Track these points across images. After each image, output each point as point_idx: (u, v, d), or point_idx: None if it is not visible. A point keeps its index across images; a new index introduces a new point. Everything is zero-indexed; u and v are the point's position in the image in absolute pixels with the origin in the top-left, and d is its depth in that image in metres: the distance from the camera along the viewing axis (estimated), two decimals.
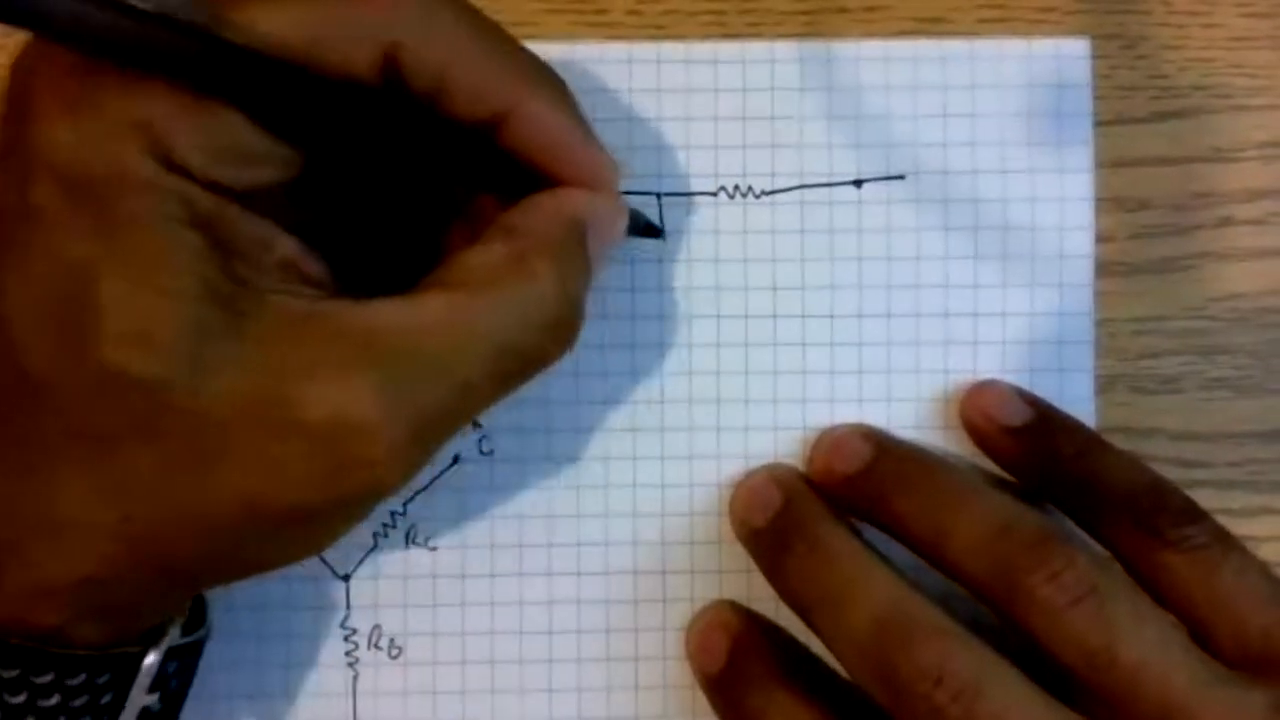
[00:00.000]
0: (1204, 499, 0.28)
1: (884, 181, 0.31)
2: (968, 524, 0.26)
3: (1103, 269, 0.31)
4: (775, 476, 0.29)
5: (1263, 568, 0.27)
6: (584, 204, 0.25)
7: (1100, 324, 0.31)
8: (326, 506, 0.23)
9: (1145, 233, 0.31)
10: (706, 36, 0.31)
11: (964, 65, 0.31)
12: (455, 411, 0.23)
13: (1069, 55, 0.31)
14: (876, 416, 0.30)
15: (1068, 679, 0.25)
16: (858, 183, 0.31)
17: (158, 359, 0.21)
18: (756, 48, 0.31)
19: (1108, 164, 0.31)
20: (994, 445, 0.30)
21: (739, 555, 0.30)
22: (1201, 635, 0.26)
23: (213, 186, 0.22)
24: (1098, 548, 0.28)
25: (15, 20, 0.19)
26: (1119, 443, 0.30)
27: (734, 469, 0.30)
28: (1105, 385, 0.31)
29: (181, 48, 0.20)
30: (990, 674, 0.25)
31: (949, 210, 0.31)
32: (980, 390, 0.30)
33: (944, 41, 0.31)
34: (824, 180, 0.31)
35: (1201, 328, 0.31)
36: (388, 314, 0.23)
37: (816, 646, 0.27)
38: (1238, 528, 0.30)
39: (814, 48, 0.31)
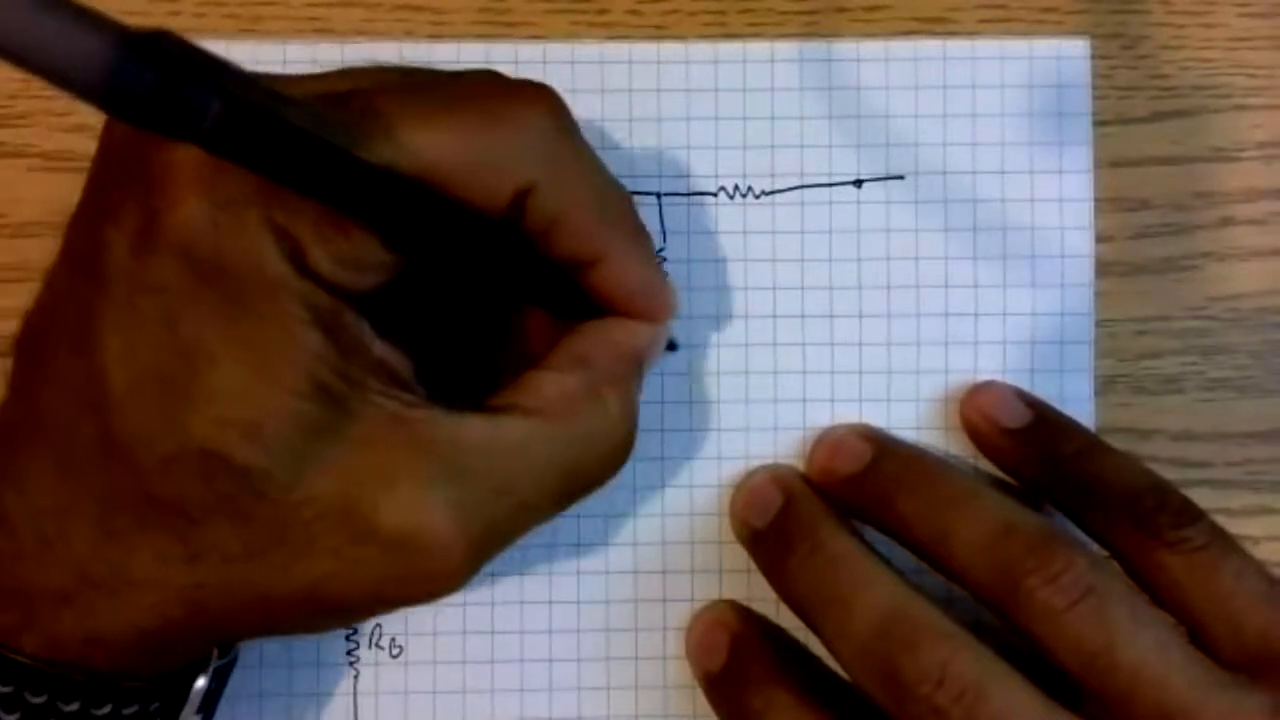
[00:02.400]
0: (1204, 499, 0.28)
1: (884, 181, 0.31)
2: (968, 526, 0.26)
3: (1103, 269, 0.31)
4: (776, 477, 0.29)
5: (1261, 569, 0.27)
6: (647, 338, 0.27)
7: (1101, 324, 0.31)
8: (379, 605, 0.24)
9: (1145, 233, 0.31)
10: (707, 36, 0.31)
11: (964, 65, 0.31)
12: (515, 530, 0.25)
13: (1069, 55, 0.31)
14: (877, 417, 0.30)
15: (1068, 681, 0.25)
16: (858, 183, 0.31)
17: (263, 451, 0.22)
18: (757, 48, 0.31)
19: (1108, 164, 0.31)
20: (993, 446, 0.30)
21: (739, 555, 0.30)
22: (1200, 636, 0.26)
23: (334, 291, 0.22)
24: (1097, 549, 0.28)
25: (166, 131, 0.19)
26: (1119, 443, 0.30)
27: (734, 469, 0.30)
28: (1105, 385, 0.31)
29: (330, 171, 0.21)
30: (991, 676, 0.25)
31: (949, 210, 0.31)
32: (980, 391, 0.30)
33: (944, 41, 0.31)
34: (824, 180, 0.31)
35: (1202, 328, 0.31)
36: (470, 432, 0.24)
37: (817, 647, 0.27)
38: (1237, 528, 0.30)
39: (814, 48, 0.31)
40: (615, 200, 0.26)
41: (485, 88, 0.24)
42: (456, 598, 0.30)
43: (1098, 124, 0.31)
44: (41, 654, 0.23)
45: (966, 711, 0.24)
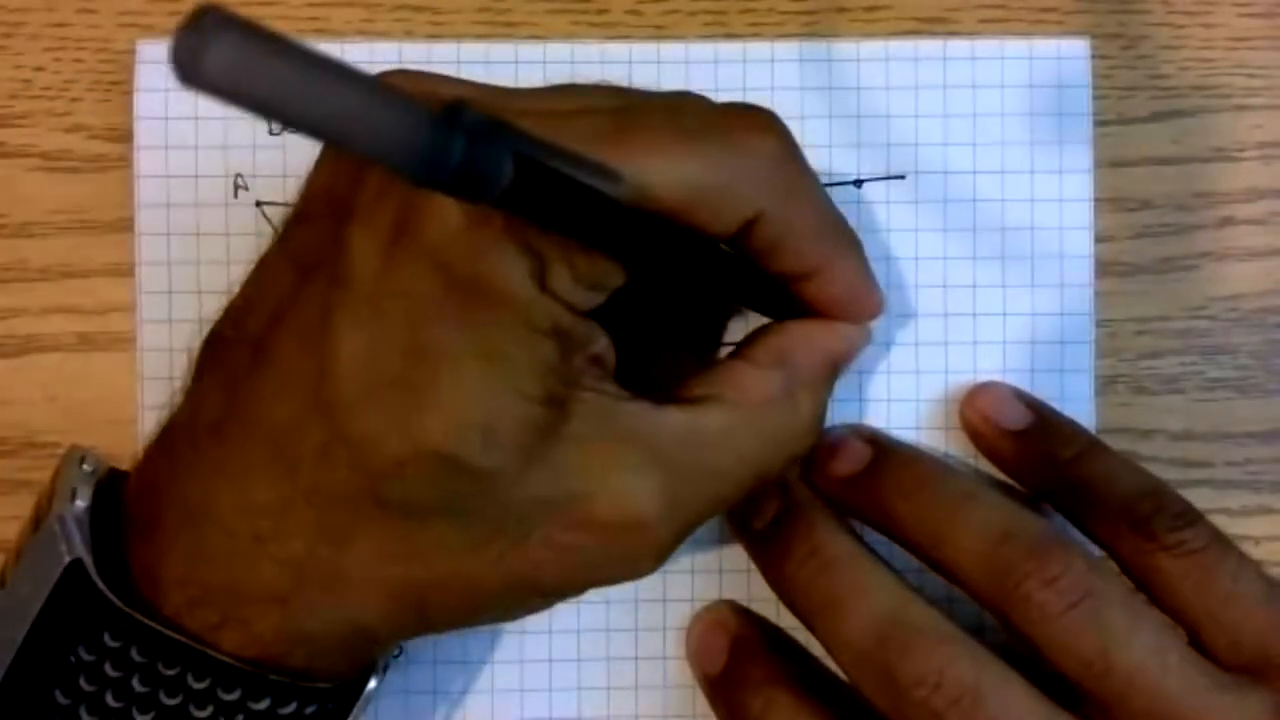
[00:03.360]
0: (1204, 499, 0.28)
1: (884, 181, 0.31)
2: (966, 528, 0.26)
3: (1103, 269, 0.31)
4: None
5: (1260, 571, 0.27)
6: (849, 340, 0.27)
7: (1101, 324, 0.31)
8: (585, 587, 0.25)
9: (1146, 233, 0.31)
10: (707, 36, 0.31)
11: (964, 65, 0.31)
12: (707, 516, 0.25)
13: (1069, 55, 0.31)
14: (876, 417, 0.30)
15: (1067, 684, 0.25)
16: (858, 182, 0.31)
17: (496, 453, 0.22)
18: (757, 48, 0.31)
19: (1108, 164, 0.31)
20: (992, 447, 0.30)
21: (739, 555, 0.30)
22: (1198, 639, 0.26)
23: (571, 307, 0.23)
24: (1096, 551, 0.28)
25: (467, 195, 0.19)
26: (1119, 443, 0.30)
27: None
28: (1106, 385, 0.31)
29: (587, 211, 0.21)
30: (990, 679, 0.25)
31: (949, 210, 0.31)
32: (979, 392, 0.30)
33: (944, 41, 0.31)
34: (824, 180, 0.30)
35: (1202, 328, 0.31)
36: (675, 422, 0.24)
37: (816, 649, 0.27)
38: (1237, 528, 0.30)
39: (814, 48, 0.31)
40: (834, 216, 0.26)
41: (715, 117, 0.24)
42: None
43: (1098, 124, 0.31)
44: (240, 652, 0.23)
45: (964, 715, 0.24)
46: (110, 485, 0.25)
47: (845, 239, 0.26)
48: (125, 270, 0.31)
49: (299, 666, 0.24)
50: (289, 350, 0.23)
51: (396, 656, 0.30)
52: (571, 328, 0.23)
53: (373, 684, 0.26)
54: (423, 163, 0.17)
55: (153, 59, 0.30)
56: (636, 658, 0.30)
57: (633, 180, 0.22)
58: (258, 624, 0.23)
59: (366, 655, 0.25)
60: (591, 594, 0.30)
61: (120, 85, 0.31)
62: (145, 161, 0.30)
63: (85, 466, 0.25)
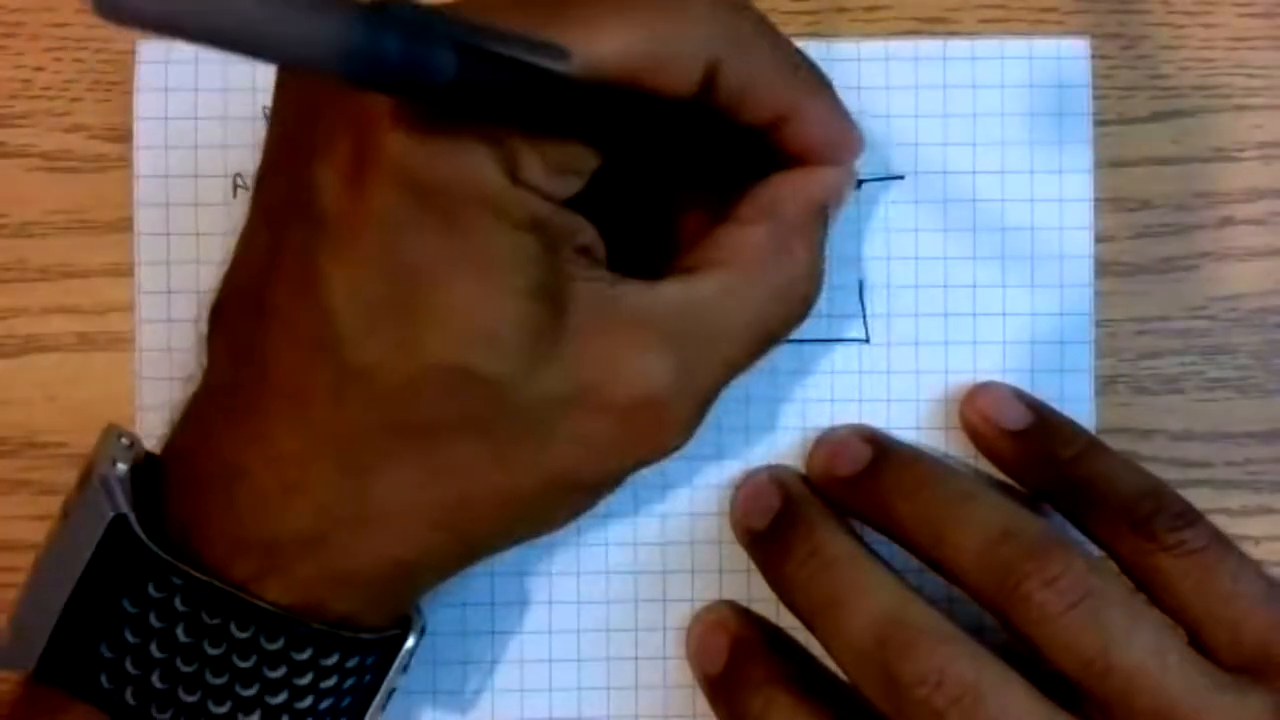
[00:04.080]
0: (1204, 499, 0.28)
1: (884, 181, 0.31)
2: (966, 528, 0.26)
3: (1103, 269, 0.31)
4: (776, 478, 0.29)
5: (1260, 571, 0.27)
6: (832, 182, 0.27)
7: (1101, 324, 0.31)
8: (620, 473, 0.25)
9: (1146, 233, 0.31)
10: None
11: (964, 65, 0.31)
12: (722, 382, 0.25)
13: (1069, 55, 0.31)
14: (876, 417, 0.30)
15: (1068, 684, 0.25)
16: (858, 183, 0.31)
17: (502, 357, 0.22)
18: None
19: (1108, 164, 0.31)
20: (993, 448, 0.30)
21: (739, 555, 0.30)
22: (1198, 639, 0.26)
23: (546, 196, 0.23)
24: (1095, 552, 0.28)
25: (403, 92, 0.19)
26: (1120, 443, 0.30)
27: (734, 469, 0.30)
28: (1106, 385, 0.31)
29: (541, 96, 0.21)
30: (990, 679, 0.25)
31: (949, 210, 0.31)
32: (979, 392, 0.30)
33: (944, 41, 0.31)
34: None
35: (1202, 328, 0.31)
36: (672, 295, 0.24)
37: (817, 649, 0.27)
38: (1237, 528, 0.30)
39: (814, 47, 0.31)
40: (797, 57, 0.25)
41: None
42: (456, 598, 0.30)
43: (1098, 124, 0.31)
44: (281, 600, 0.24)
45: (964, 714, 0.24)
46: (146, 462, 0.25)
47: (812, 79, 0.26)
48: (125, 270, 0.31)
49: (342, 613, 0.24)
50: (283, 300, 0.23)
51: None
52: (551, 218, 0.23)
53: (411, 641, 0.26)
54: (358, 63, 0.17)
55: (153, 59, 0.30)
56: (636, 658, 0.30)
57: (580, 55, 0.22)
58: (297, 570, 0.23)
59: (409, 597, 0.26)
60: (591, 594, 0.30)
61: (120, 85, 0.31)
62: (145, 161, 0.30)
63: (123, 440, 0.25)
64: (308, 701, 0.24)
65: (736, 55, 0.24)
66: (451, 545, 0.25)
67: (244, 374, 0.24)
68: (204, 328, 0.25)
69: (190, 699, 0.24)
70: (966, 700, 0.24)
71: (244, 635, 0.23)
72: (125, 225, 0.31)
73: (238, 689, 0.24)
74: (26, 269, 0.31)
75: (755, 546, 0.29)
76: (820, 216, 0.27)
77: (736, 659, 0.29)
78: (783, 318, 0.26)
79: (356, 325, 0.22)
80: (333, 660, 0.24)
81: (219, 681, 0.24)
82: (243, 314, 0.24)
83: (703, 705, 0.29)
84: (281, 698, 0.24)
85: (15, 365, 0.31)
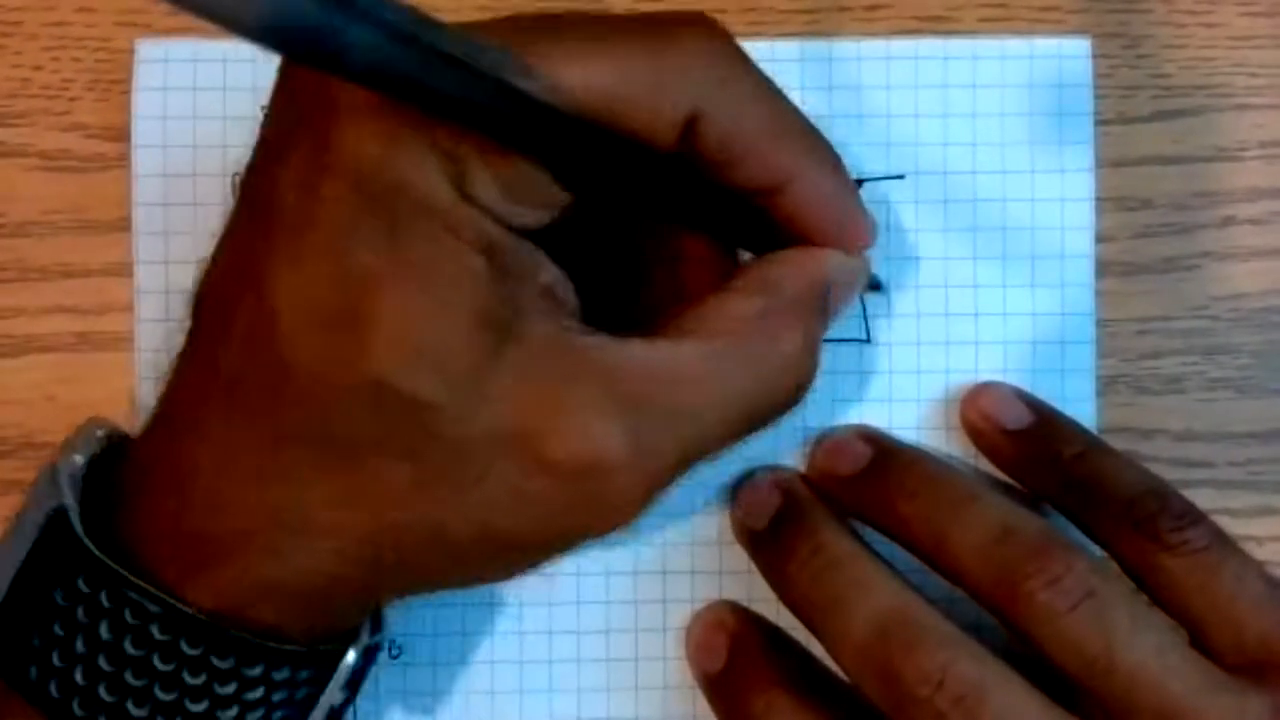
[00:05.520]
0: (1205, 499, 0.28)
1: (884, 181, 0.31)
2: (967, 528, 0.26)
3: (1105, 269, 0.31)
4: (776, 479, 0.29)
5: (1262, 571, 0.27)
6: (836, 266, 0.25)
7: (1102, 324, 0.31)
8: (556, 541, 0.24)
9: (1147, 232, 0.31)
10: None
11: (965, 64, 0.31)
12: (687, 460, 0.23)
13: (1070, 54, 0.31)
14: (877, 417, 0.30)
15: (1069, 684, 0.25)
16: (858, 182, 0.31)
17: (433, 381, 0.21)
18: (757, 47, 0.30)
19: (1109, 163, 0.31)
20: (994, 447, 0.30)
21: (739, 555, 0.30)
22: (1200, 639, 0.26)
23: (498, 220, 0.22)
24: (1097, 551, 0.28)
25: (318, 64, 0.18)
26: (1121, 443, 0.30)
27: (735, 469, 0.30)
28: (1107, 385, 0.31)
29: (489, 103, 0.20)
30: (992, 679, 0.25)
31: (949, 210, 0.31)
32: (980, 392, 0.30)
33: (945, 40, 0.31)
34: None
35: (1204, 328, 0.31)
36: (643, 356, 0.23)
37: (817, 649, 0.27)
38: (1239, 528, 0.30)
39: (815, 47, 0.31)
40: (795, 120, 0.24)
41: (639, 18, 0.23)
42: (456, 598, 0.30)
43: (1099, 123, 0.31)
44: (205, 604, 0.23)
45: (967, 714, 0.24)
46: (117, 450, 0.25)
47: (813, 146, 0.25)
48: (123, 270, 0.31)
49: (267, 623, 0.23)
50: (231, 297, 0.22)
51: (395, 657, 0.30)
52: (504, 243, 0.22)
53: (351, 657, 0.25)
54: (266, 14, 0.17)
55: (151, 58, 0.30)
56: (636, 659, 0.30)
57: (551, 78, 0.21)
58: (221, 572, 0.23)
59: (346, 613, 0.25)
60: (591, 594, 0.30)
61: (119, 84, 0.31)
62: (143, 160, 0.30)
63: (99, 432, 0.25)
64: (232, 712, 0.23)
65: (724, 108, 0.23)
66: (384, 571, 0.23)
67: (200, 371, 0.23)
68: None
69: (110, 699, 0.23)
70: (968, 700, 0.24)
71: (164, 638, 0.23)
72: (124, 224, 0.30)
73: (158, 693, 0.23)
74: (24, 268, 0.31)
75: (755, 547, 0.29)
76: (820, 301, 0.25)
77: (736, 659, 0.29)
78: (764, 403, 0.24)
79: (295, 326, 0.21)
80: (256, 671, 0.23)
81: (139, 684, 0.23)
82: (205, 311, 0.24)
83: (703, 706, 0.29)
84: (202, 706, 0.23)
85: (13, 365, 0.31)
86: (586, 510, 0.23)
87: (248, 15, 0.17)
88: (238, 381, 0.22)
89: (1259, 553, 0.30)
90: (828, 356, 0.30)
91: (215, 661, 0.23)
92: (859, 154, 0.31)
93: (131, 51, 0.30)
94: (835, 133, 0.30)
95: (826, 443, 0.30)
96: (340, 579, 0.23)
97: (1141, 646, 0.25)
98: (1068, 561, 0.25)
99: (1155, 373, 0.31)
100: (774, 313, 0.24)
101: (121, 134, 0.31)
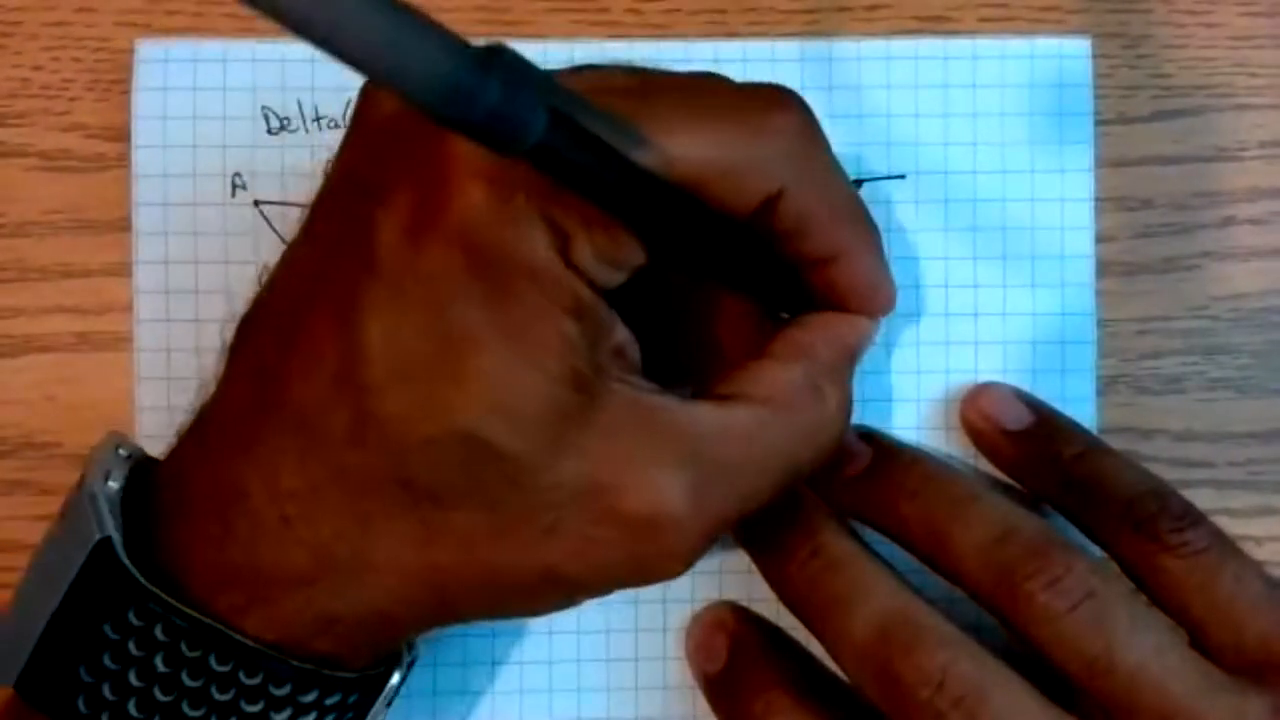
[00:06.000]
0: (1205, 499, 0.28)
1: (884, 181, 0.31)
2: (967, 529, 0.26)
3: (1105, 269, 0.31)
4: None
5: (1262, 572, 0.27)
6: (865, 333, 0.27)
7: (1102, 324, 0.31)
8: (612, 585, 0.25)
9: (1147, 232, 0.31)
10: (707, 35, 0.31)
11: (965, 64, 0.31)
12: (738, 514, 0.25)
13: (1070, 54, 0.31)
14: (877, 417, 0.30)
15: (1068, 685, 0.25)
16: (858, 182, 0.31)
17: (523, 436, 0.22)
18: (757, 47, 0.31)
19: (1109, 163, 0.31)
20: (994, 448, 0.30)
21: (739, 556, 0.30)
22: (1200, 640, 0.26)
23: (590, 282, 0.23)
24: (1097, 551, 0.28)
25: (496, 146, 0.18)
26: (1121, 443, 0.30)
27: None
28: (1107, 385, 0.31)
29: (611, 177, 0.21)
30: (992, 680, 0.25)
31: (950, 210, 0.31)
32: (980, 392, 0.30)
33: (945, 40, 0.31)
34: None
35: (1204, 328, 0.31)
36: (705, 418, 0.24)
37: (817, 649, 0.27)
38: (1239, 528, 0.30)
39: (815, 46, 0.31)
40: (853, 200, 0.26)
41: (738, 94, 0.24)
42: None
43: (1099, 123, 0.31)
44: (264, 635, 0.23)
45: (967, 715, 0.24)
46: (144, 471, 0.25)
47: (865, 225, 0.26)
48: (123, 270, 0.30)
49: (323, 652, 0.24)
50: (316, 333, 0.23)
51: (415, 655, 0.30)
52: (594, 308, 0.23)
53: (396, 678, 0.26)
54: (456, 100, 0.17)
55: (151, 58, 0.30)
56: (636, 659, 0.30)
57: (657, 148, 0.22)
58: (282, 606, 0.23)
59: (391, 644, 0.25)
60: None
61: (118, 84, 0.31)
62: (143, 161, 0.30)
63: (121, 451, 0.25)
64: None
65: (803, 186, 0.24)
66: (437, 608, 0.24)
67: (260, 397, 0.23)
68: (229, 337, 0.25)
69: None
70: (969, 701, 0.24)
71: (223, 669, 0.23)
72: (123, 225, 0.30)
73: None
74: (24, 268, 0.31)
75: (756, 547, 0.29)
76: (853, 363, 0.27)
77: (736, 659, 0.29)
78: (809, 458, 0.26)
79: (386, 374, 0.22)
80: (311, 697, 0.24)
81: (196, 714, 0.23)
82: (273, 336, 0.24)
83: (702, 706, 0.29)
84: None
85: (13, 365, 0.31)
86: (647, 558, 0.24)
87: (436, 89, 0.17)
88: (317, 421, 0.23)
89: (1259, 553, 0.30)
90: None
91: (273, 690, 0.23)
92: (859, 154, 0.31)
93: (131, 51, 0.30)
94: (835, 133, 0.30)
95: None
96: (402, 614, 0.24)
97: (1141, 647, 0.25)
98: (1068, 562, 0.25)
99: (1155, 373, 0.31)
100: (816, 377, 0.26)
101: (121, 134, 0.31)
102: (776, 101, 0.24)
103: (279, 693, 0.23)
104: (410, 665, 0.26)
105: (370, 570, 0.23)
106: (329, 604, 0.23)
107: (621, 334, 0.24)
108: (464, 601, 0.24)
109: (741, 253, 0.25)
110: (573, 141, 0.20)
